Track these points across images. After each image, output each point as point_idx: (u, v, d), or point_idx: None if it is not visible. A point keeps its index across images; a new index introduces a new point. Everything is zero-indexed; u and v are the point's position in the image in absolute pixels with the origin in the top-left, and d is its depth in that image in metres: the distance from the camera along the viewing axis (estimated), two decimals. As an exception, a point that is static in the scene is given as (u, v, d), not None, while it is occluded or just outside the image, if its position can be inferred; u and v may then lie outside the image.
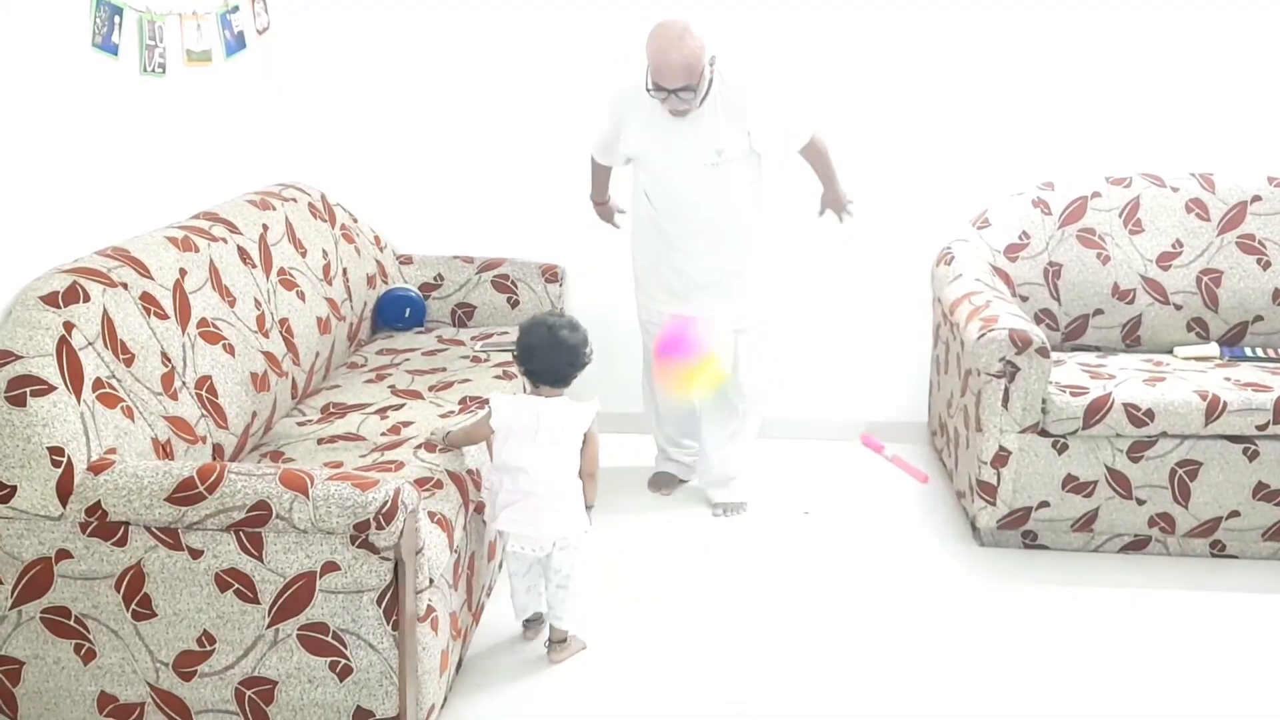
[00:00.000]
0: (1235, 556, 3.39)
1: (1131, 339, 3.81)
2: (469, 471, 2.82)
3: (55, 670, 2.35)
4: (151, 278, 2.70)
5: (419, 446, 2.88)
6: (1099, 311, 3.79)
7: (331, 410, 3.18)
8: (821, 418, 4.29)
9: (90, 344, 2.44)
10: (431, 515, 2.50)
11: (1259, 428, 3.23)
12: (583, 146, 3.66)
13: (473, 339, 3.83)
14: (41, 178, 2.58)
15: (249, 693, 2.33)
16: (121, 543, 2.27)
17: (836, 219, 3.64)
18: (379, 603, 2.28)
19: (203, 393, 2.72)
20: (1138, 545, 3.41)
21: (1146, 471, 3.29)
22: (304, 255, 3.46)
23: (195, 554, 2.27)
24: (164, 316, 2.67)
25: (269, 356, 3.05)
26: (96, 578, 2.29)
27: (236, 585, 2.28)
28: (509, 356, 3.62)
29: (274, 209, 3.44)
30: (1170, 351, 3.74)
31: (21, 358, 2.32)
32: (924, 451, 4.16)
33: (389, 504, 2.23)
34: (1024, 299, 3.79)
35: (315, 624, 2.29)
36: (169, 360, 2.64)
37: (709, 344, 3.24)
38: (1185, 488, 3.30)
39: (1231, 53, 3.86)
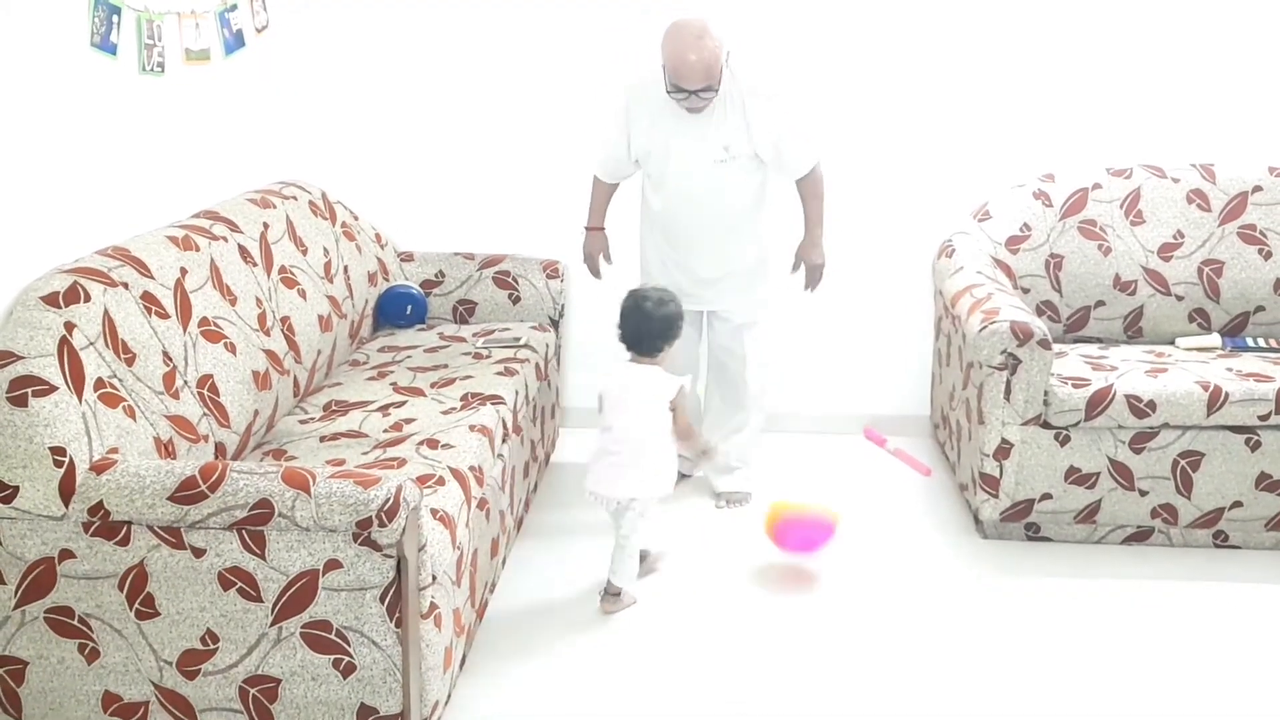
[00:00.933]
0: (1238, 547, 3.39)
1: (1133, 330, 3.80)
2: (471, 468, 2.82)
3: (59, 670, 2.35)
4: (152, 277, 2.70)
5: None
6: (1100, 303, 3.79)
7: (334, 408, 3.18)
8: (824, 412, 4.29)
9: (91, 344, 2.44)
10: (434, 512, 2.50)
11: (1261, 418, 3.23)
12: (583, 140, 3.66)
13: (474, 335, 3.83)
14: (42, 178, 2.59)
15: (253, 691, 2.33)
16: (124, 542, 2.27)
17: (806, 279, 3.61)
18: (382, 600, 2.28)
19: (204, 391, 2.72)
20: (1141, 536, 3.41)
21: (1149, 463, 3.29)
22: (305, 253, 3.47)
23: (198, 553, 2.27)
24: (165, 316, 2.68)
25: (270, 355, 3.05)
26: (99, 577, 2.29)
27: (239, 584, 2.28)
28: (510, 353, 3.64)
29: (274, 207, 3.44)
30: (1172, 342, 3.74)
31: (23, 358, 2.32)
32: (926, 445, 4.16)
33: (391, 501, 2.23)
34: (1025, 291, 3.78)
35: (318, 622, 2.29)
36: (170, 359, 2.64)
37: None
38: (1188, 479, 3.30)
39: (1231, 43, 3.85)
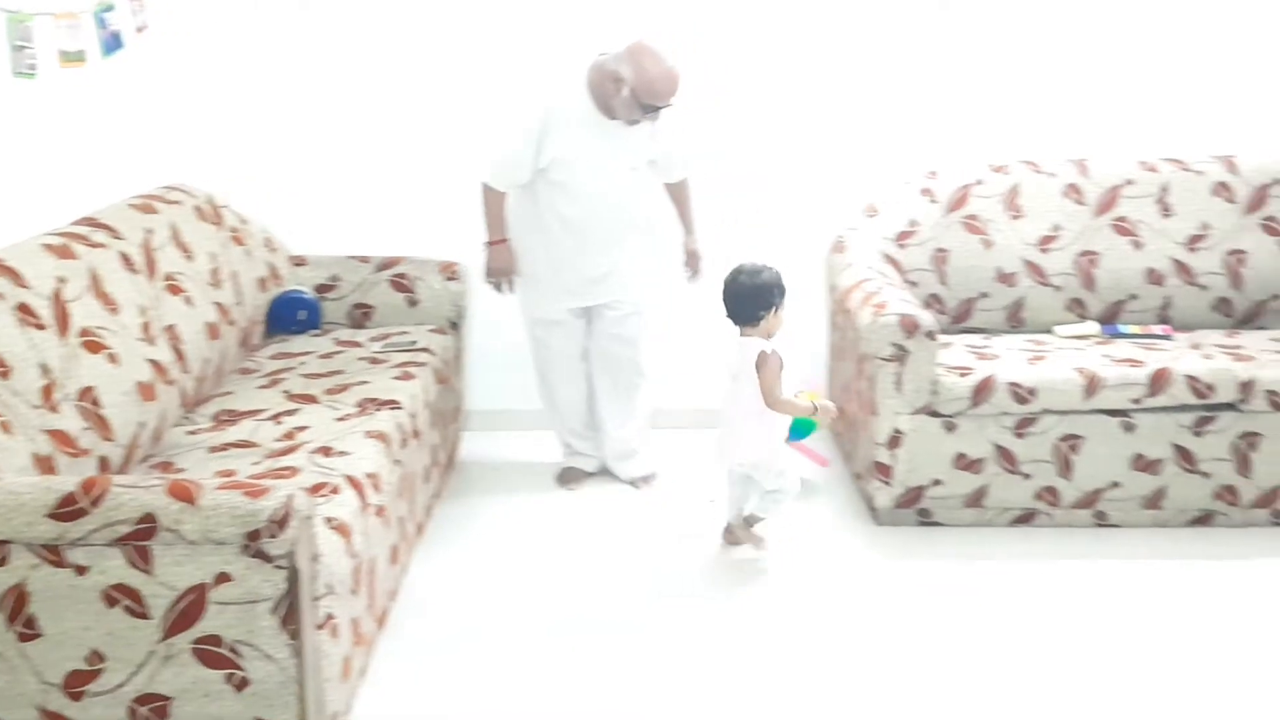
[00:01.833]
0: (1117, 525, 3.53)
1: (1015, 320, 3.93)
2: (368, 475, 2.80)
3: (-62, 697, 2.28)
4: (28, 287, 2.63)
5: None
6: (984, 295, 3.91)
7: (223, 418, 3.13)
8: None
9: (-37, 359, 2.36)
10: (328, 521, 2.48)
11: (1135, 401, 3.36)
12: (478, 140, 3.63)
13: (371, 340, 3.79)
14: (-94, 188, 2.50)
15: (142, 710, 2.28)
16: (2, 562, 2.21)
17: (693, 271, 3.80)
18: (275, 612, 2.25)
19: (86, 404, 2.65)
20: (1026, 518, 3.53)
21: (1031, 447, 3.41)
22: (191, 259, 3.39)
23: (81, 570, 2.21)
24: (42, 327, 2.60)
25: (156, 365, 2.98)
26: (-22, 599, 2.23)
27: (125, 601, 2.23)
28: (408, 357, 3.61)
29: (158, 213, 3.36)
30: (1051, 331, 3.87)
31: (-110, 376, 2.24)
32: (823, 436, 4.22)
33: (282, 511, 2.20)
34: (913, 284, 3.88)
35: (209, 636, 2.25)
36: (49, 372, 2.57)
37: None
38: (1068, 461, 3.42)
39: (1101, 43, 3.99)
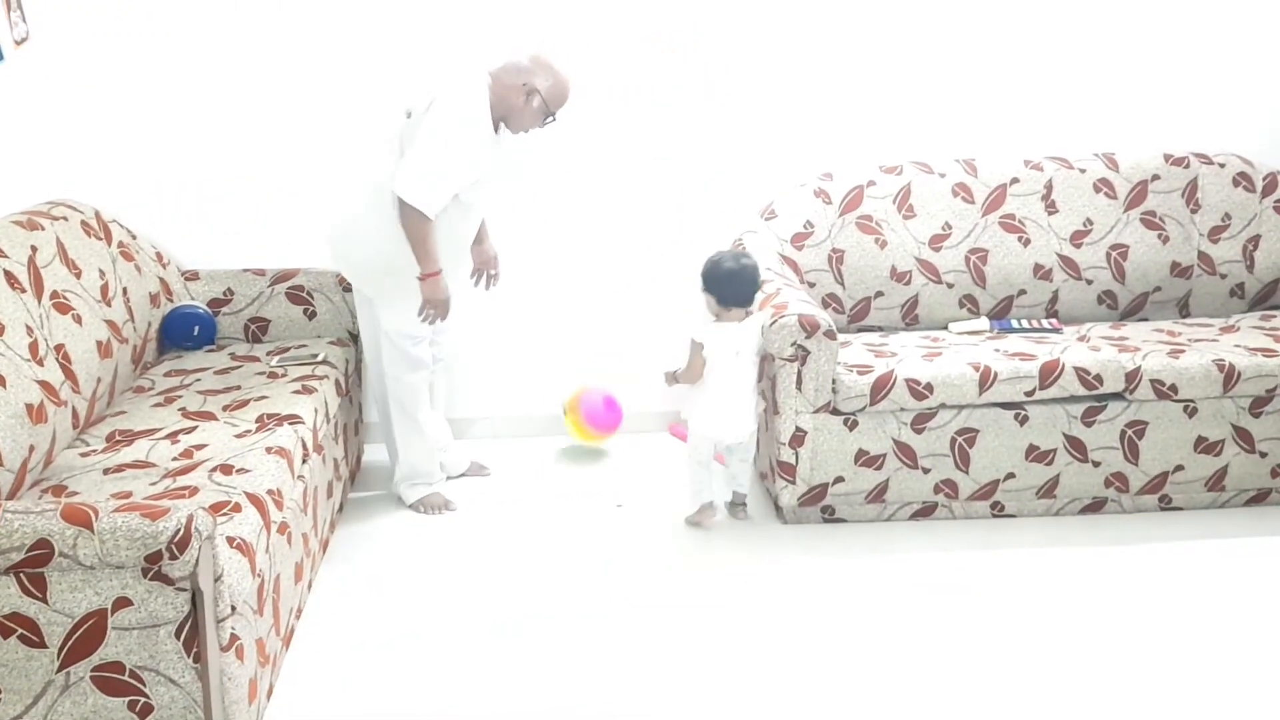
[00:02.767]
0: (1014, 515, 3.64)
1: (910, 318, 4.03)
2: (269, 492, 2.75)
3: None
4: (-95, 311, 2.53)
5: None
6: (880, 293, 4.00)
7: (118, 438, 3.05)
8: (629, 411, 4.35)
9: None
10: (230, 540, 2.43)
11: (1027, 394, 3.47)
12: (369, 148, 3.59)
13: (269, 354, 3.73)
14: None
15: (41, 742, 2.22)
16: (-114, 596, 2.13)
17: (487, 282, 3.77)
18: (178, 635, 2.21)
19: (-29, 430, 2.56)
20: (926, 512, 3.61)
21: (929, 441, 3.50)
22: (79, 276, 3.30)
23: (-29, 602, 2.14)
24: (-78, 351, 2.51)
25: (45, 385, 2.89)
26: None
27: (20, 630, 2.17)
28: (308, 370, 3.56)
29: (43, 229, 3.26)
30: (945, 327, 3.98)
31: None
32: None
33: (182, 532, 2.16)
34: (811, 285, 3.95)
35: (110, 664, 2.20)
36: (-70, 398, 2.48)
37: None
38: (965, 454, 3.52)
39: (986, 43, 4.11)
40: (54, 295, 3.12)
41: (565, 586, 3.26)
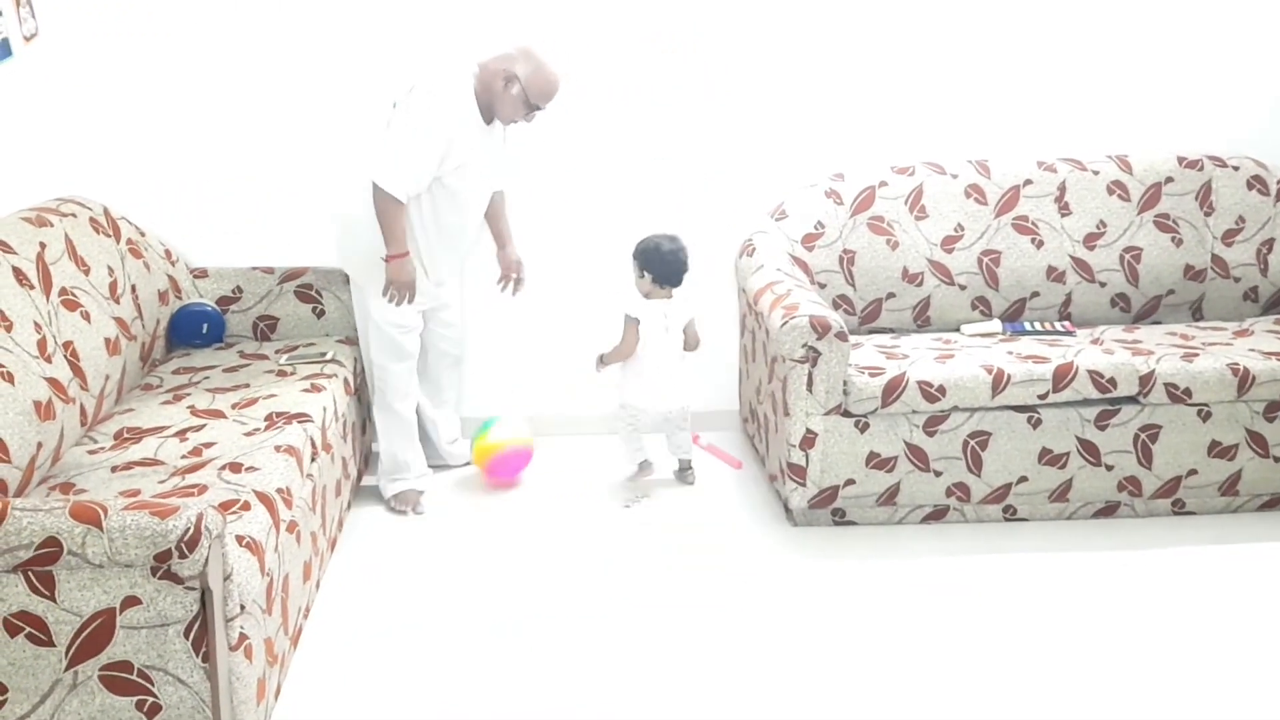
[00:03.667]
0: (1026, 519, 3.61)
1: (922, 319, 4.00)
2: (278, 490, 2.74)
3: None
4: (-86, 306, 2.52)
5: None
6: (891, 295, 3.97)
7: (126, 435, 3.03)
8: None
9: None
10: (240, 539, 2.41)
11: (1040, 397, 3.45)
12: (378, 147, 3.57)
13: (277, 352, 3.71)
14: None
15: (49, 741, 2.20)
16: (-106, 594, 2.11)
17: (513, 287, 3.82)
18: (186, 635, 2.19)
19: (-21, 426, 2.55)
20: (937, 515, 3.59)
21: (941, 444, 3.47)
22: (88, 273, 3.28)
23: (-21, 599, 2.13)
24: (-70, 347, 2.49)
25: (53, 383, 2.88)
26: None
27: (28, 629, 2.15)
28: (316, 368, 3.54)
29: (52, 225, 3.25)
30: (957, 329, 3.95)
31: None
32: (737, 438, 4.27)
33: (191, 531, 2.15)
34: (822, 286, 3.93)
35: (118, 663, 2.18)
36: (-61, 394, 2.46)
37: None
38: (977, 458, 3.50)
39: (999, 44, 4.09)
40: (62, 292, 3.11)
41: (573, 587, 3.25)
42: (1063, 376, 3.43)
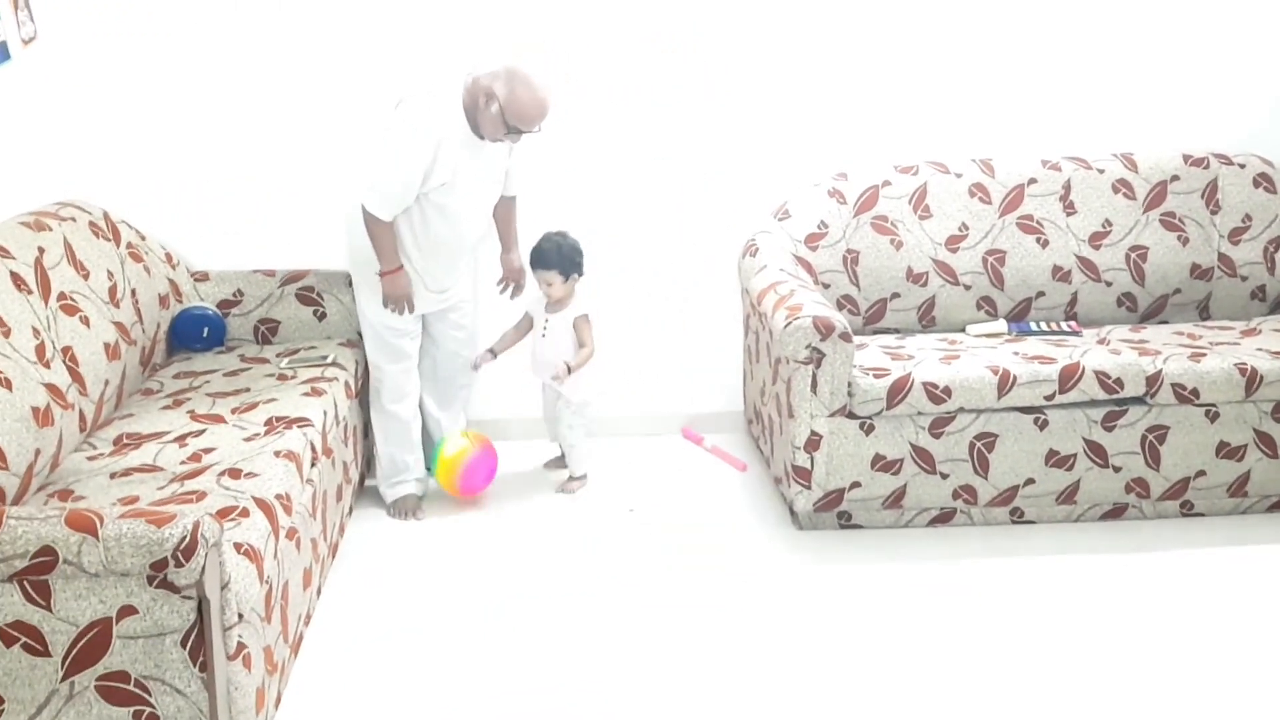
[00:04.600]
0: (1033, 522, 3.58)
1: (927, 320, 3.97)
2: (278, 496, 2.71)
3: None
4: (-91, 313, 2.50)
5: (475, 367, 3.77)
6: (896, 295, 3.94)
7: (125, 441, 3.01)
8: (641, 413, 4.31)
9: None
10: (238, 546, 2.39)
11: (1046, 398, 3.41)
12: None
13: (278, 356, 3.69)
14: None
15: (45, 752, 2.18)
16: (-112, 604, 2.09)
17: (512, 291, 3.81)
18: (183, 644, 2.17)
19: (-24, 433, 2.53)
20: (944, 518, 3.56)
21: (948, 446, 3.44)
22: (87, 278, 3.27)
23: (-26, 609, 2.11)
24: (-74, 354, 2.48)
25: (51, 389, 2.86)
26: None
27: (23, 639, 2.13)
28: (317, 372, 3.52)
29: (50, 230, 3.23)
30: (962, 330, 3.92)
31: None
32: (742, 440, 4.24)
33: (188, 539, 2.13)
34: (826, 286, 3.90)
35: (115, 673, 2.16)
36: (-66, 401, 2.44)
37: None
38: (984, 459, 3.47)
39: (1003, 44, 4.06)
40: (61, 297, 3.09)
41: (577, 591, 3.22)
42: (1069, 377, 3.40)
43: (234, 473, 2.77)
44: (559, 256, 3.64)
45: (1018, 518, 3.58)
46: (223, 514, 2.49)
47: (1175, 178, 4.03)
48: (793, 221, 3.97)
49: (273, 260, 3.96)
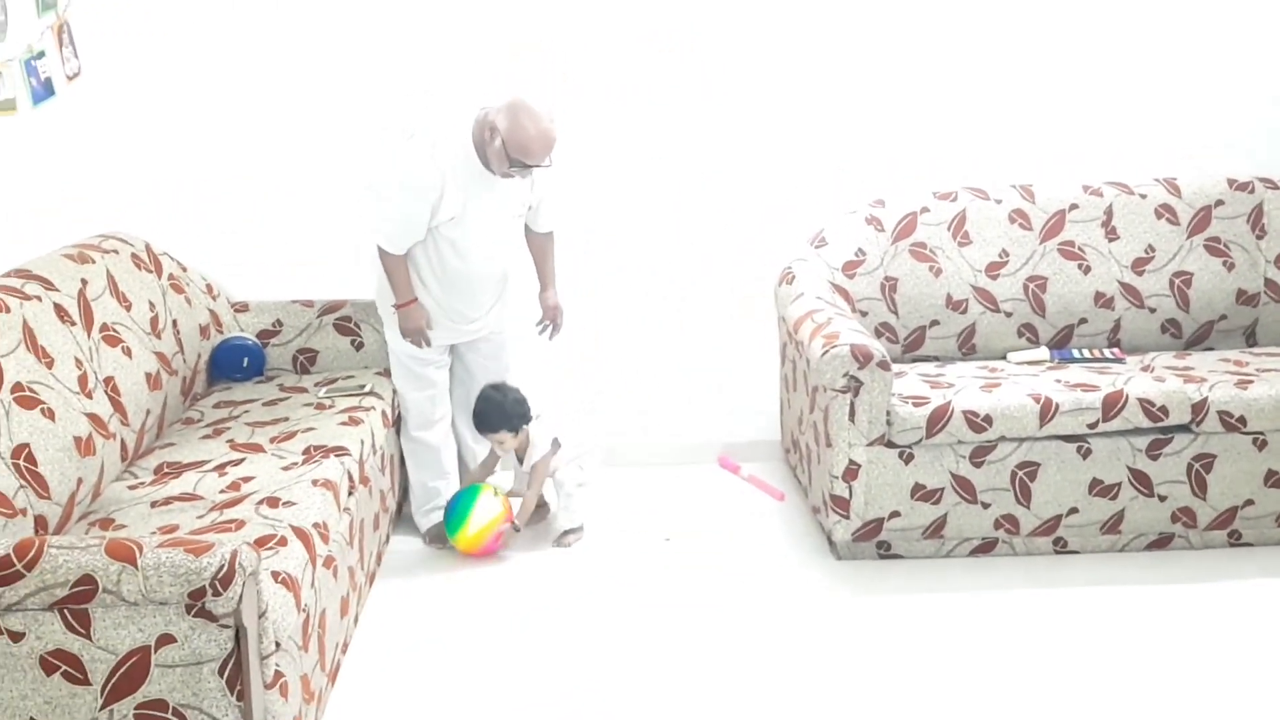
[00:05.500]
0: (1076, 552, 3.52)
1: (967, 347, 3.93)
2: (315, 525, 2.72)
3: None
4: (-44, 343, 2.53)
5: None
6: (935, 322, 3.91)
7: (166, 470, 3.04)
8: (678, 442, 4.30)
9: (-113, 419, 2.27)
10: (275, 575, 2.39)
11: (1090, 426, 3.36)
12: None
13: (316, 385, 3.71)
14: None
15: (84, 781, 2.19)
16: (-68, 632, 2.11)
17: (550, 332, 3.76)
18: (221, 673, 2.17)
19: (20, 462, 2.55)
20: (986, 548, 3.51)
21: (989, 475, 3.40)
22: (129, 309, 3.31)
23: (16, 637, 2.12)
24: (-28, 384, 2.51)
25: (94, 418, 2.89)
26: (-94, 671, 2.12)
27: (64, 667, 2.14)
28: (355, 401, 3.54)
29: (93, 262, 3.28)
30: (1004, 357, 3.88)
31: None
32: (779, 469, 4.21)
33: (225, 568, 2.13)
34: (864, 314, 3.87)
35: (153, 701, 2.16)
36: (-21, 431, 2.47)
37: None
38: (1026, 488, 3.42)
39: (1045, 68, 4.04)
40: (104, 328, 3.13)
41: (615, 623, 3.20)
42: (1113, 405, 3.34)
43: (272, 501, 2.78)
44: (502, 416, 3.53)
45: (1061, 548, 3.52)
46: (261, 543, 2.49)
47: (1220, 202, 3.98)
48: (830, 249, 3.95)
49: (311, 291, 3.99)
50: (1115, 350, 3.83)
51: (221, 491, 2.88)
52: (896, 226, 3.94)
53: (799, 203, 4.08)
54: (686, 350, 4.23)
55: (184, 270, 3.76)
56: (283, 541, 2.55)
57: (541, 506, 3.80)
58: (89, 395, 2.91)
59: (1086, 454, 3.39)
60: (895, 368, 3.50)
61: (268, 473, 2.98)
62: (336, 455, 3.11)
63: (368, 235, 3.67)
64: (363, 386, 3.65)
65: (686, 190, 4.07)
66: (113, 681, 2.15)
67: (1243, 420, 3.36)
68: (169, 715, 2.17)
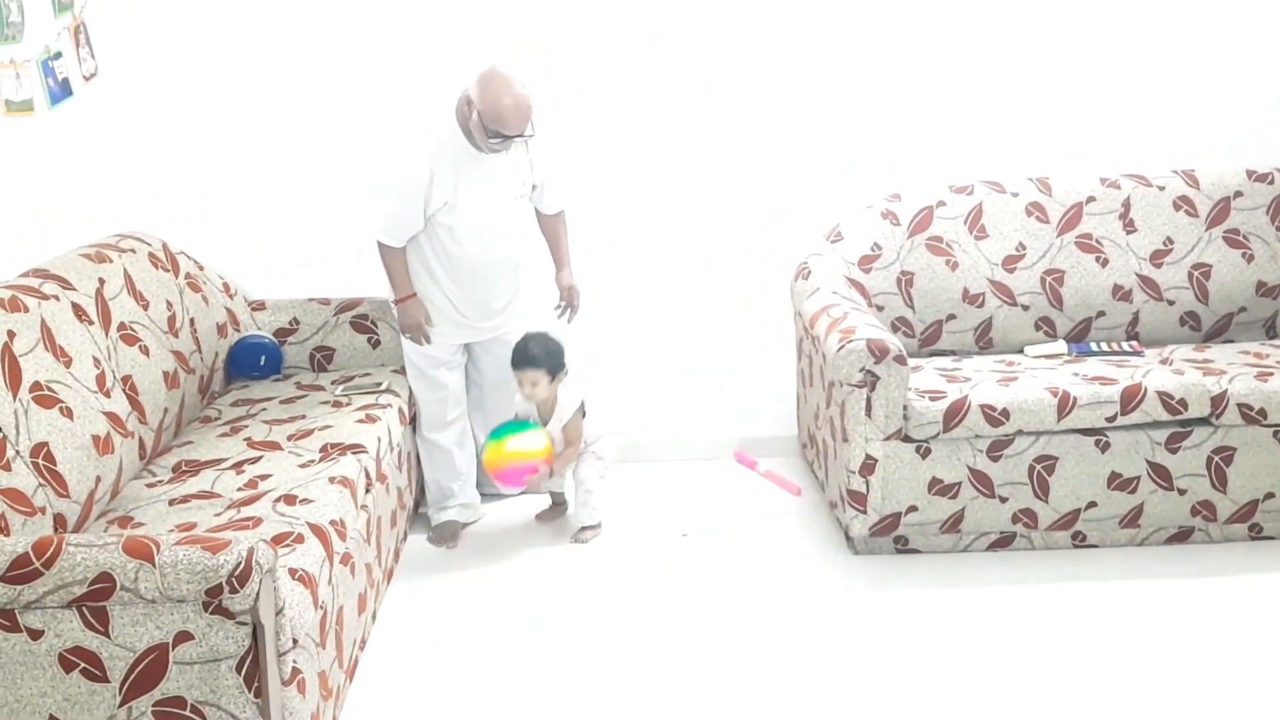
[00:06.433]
0: (1095, 546, 3.50)
1: (984, 341, 3.92)
2: (332, 522, 2.73)
3: (-114, 773, 2.18)
4: (-25, 343, 2.55)
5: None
6: (951, 316, 3.89)
7: (184, 468, 3.05)
8: (694, 438, 4.30)
9: (-93, 419, 2.28)
10: (292, 572, 2.40)
11: (1108, 420, 3.34)
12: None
13: (333, 383, 3.73)
14: None
15: (104, 777, 2.20)
16: (-48, 629, 2.13)
17: (568, 315, 3.73)
18: (239, 670, 2.18)
19: (39, 461, 2.57)
20: (1004, 542, 3.49)
21: (1006, 469, 3.38)
22: (146, 308, 3.32)
23: (35, 635, 2.14)
24: (-9, 384, 2.53)
25: (112, 417, 2.90)
26: (-73, 669, 2.14)
27: (83, 664, 2.15)
28: (372, 399, 3.55)
29: (111, 261, 3.29)
30: (1021, 351, 3.86)
31: None
32: (796, 464, 4.20)
33: (242, 565, 2.14)
34: (880, 309, 3.86)
35: (171, 699, 2.17)
36: (-1, 430, 2.49)
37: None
38: (1044, 482, 3.40)
39: (1057, 62, 4.01)
40: (121, 327, 3.14)
41: (633, 618, 3.20)
42: (1131, 398, 3.32)
43: (289, 499, 2.79)
44: (545, 355, 3.51)
45: (1079, 542, 3.50)
46: (278, 540, 2.50)
47: (1239, 194, 3.95)
48: (845, 244, 3.93)
49: (328, 289, 4.00)
50: (1134, 343, 3.81)
51: (239, 489, 2.89)
52: (912, 220, 3.93)
53: (815, 198, 4.07)
54: (704, 346, 4.22)
55: (201, 269, 3.77)
56: (300, 539, 2.56)
57: (560, 505, 3.81)
58: (107, 394, 2.92)
59: (1105, 448, 3.37)
60: (912, 362, 3.48)
61: (285, 470, 2.99)
62: (353, 453, 3.12)
63: (370, 233, 3.69)
64: (379, 384, 3.66)
65: (704, 186, 4.07)
66: (131, 679, 2.16)
67: (1263, 413, 3.34)
68: (187, 712, 2.18)
